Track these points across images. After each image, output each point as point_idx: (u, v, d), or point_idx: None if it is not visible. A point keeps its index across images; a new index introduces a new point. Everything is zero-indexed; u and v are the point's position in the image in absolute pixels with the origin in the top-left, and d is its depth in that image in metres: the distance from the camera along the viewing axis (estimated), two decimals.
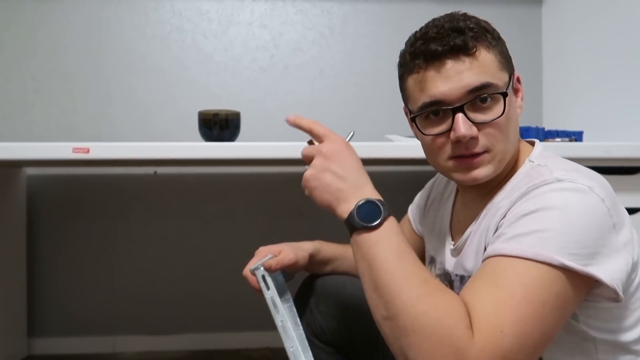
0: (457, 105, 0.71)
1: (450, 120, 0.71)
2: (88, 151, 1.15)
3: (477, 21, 0.74)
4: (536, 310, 0.59)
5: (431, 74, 0.72)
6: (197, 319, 1.92)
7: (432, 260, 0.92)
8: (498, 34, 0.76)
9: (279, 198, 1.94)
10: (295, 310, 0.88)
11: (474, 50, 0.71)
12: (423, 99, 0.73)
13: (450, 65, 0.71)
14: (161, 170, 1.91)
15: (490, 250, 0.64)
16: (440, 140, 0.74)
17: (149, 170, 1.90)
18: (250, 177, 1.94)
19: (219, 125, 1.38)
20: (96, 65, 1.89)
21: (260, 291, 0.86)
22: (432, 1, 1.93)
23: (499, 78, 0.72)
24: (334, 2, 1.96)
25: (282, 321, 0.83)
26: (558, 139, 1.35)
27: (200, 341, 1.91)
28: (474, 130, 0.71)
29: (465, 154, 0.72)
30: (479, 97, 0.71)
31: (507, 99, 0.71)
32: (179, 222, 1.92)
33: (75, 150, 1.15)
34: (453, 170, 0.75)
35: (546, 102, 2.00)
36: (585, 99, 1.76)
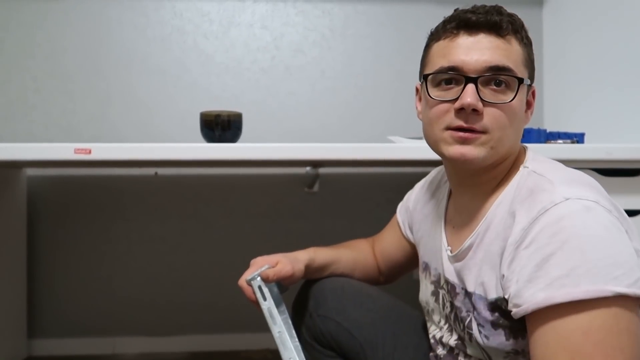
0: (473, 76, 0.71)
1: (460, 89, 0.72)
2: (90, 152, 1.15)
3: (518, 18, 0.76)
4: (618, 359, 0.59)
5: (460, 41, 0.73)
6: (198, 321, 1.92)
7: (426, 267, 0.91)
8: (531, 41, 0.78)
9: (281, 199, 1.94)
10: (290, 322, 0.87)
11: (507, 33, 0.73)
12: (442, 63, 0.74)
13: (481, 37, 0.72)
14: (162, 171, 1.91)
15: (535, 300, 0.62)
16: (444, 106, 0.73)
17: (150, 171, 1.90)
18: (251, 178, 1.94)
19: (221, 127, 1.38)
20: (97, 66, 1.89)
21: (255, 302, 0.85)
22: (433, 2, 1.93)
23: (521, 71, 0.73)
24: (334, 3, 1.96)
25: (279, 332, 0.82)
26: (560, 141, 1.35)
27: (200, 343, 1.91)
28: (479, 105, 0.70)
29: (464, 126, 0.71)
30: (495, 76, 0.71)
31: (520, 87, 0.72)
32: (180, 224, 1.92)
33: (77, 151, 1.15)
34: (445, 142, 0.74)
35: (547, 104, 2.00)
36: (587, 100, 1.76)
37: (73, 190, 1.89)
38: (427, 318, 0.93)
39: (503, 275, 0.69)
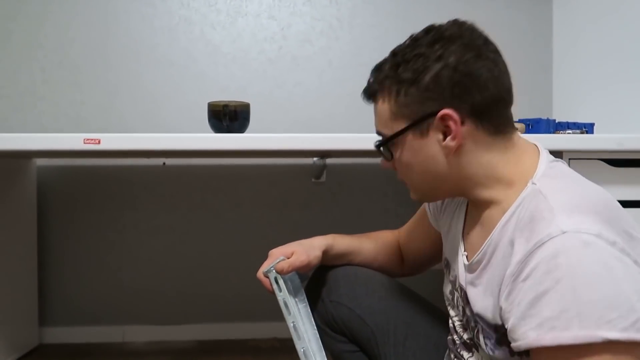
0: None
1: None
2: (99, 142, 1.16)
3: (396, 61, 0.72)
4: None
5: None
6: (206, 310, 1.94)
7: (447, 265, 0.90)
8: (419, 70, 0.70)
9: (288, 190, 1.94)
10: (309, 310, 0.88)
11: (375, 97, 0.78)
12: None
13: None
14: (170, 161, 1.92)
15: (527, 339, 0.60)
16: None
17: (158, 161, 1.91)
18: (259, 169, 1.94)
19: (229, 117, 1.37)
20: (104, 57, 1.89)
21: (274, 293, 0.87)
22: None
23: (389, 128, 0.76)
24: None
25: (293, 322, 0.84)
26: (569, 131, 1.34)
27: (208, 331, 1.93)
28: (387, 164, 0.81)
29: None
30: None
31: (393, 143, 0.76)
32: (188, 214, 1.93)
33: (86, 141, 1.16)
34: None
35: (556, 94, 1.99)
36: (596, 91, 1.75)
37: (82, 181, 1.90)
38: (447, 306, 0.92)
39: (501, 307, 0.67)
